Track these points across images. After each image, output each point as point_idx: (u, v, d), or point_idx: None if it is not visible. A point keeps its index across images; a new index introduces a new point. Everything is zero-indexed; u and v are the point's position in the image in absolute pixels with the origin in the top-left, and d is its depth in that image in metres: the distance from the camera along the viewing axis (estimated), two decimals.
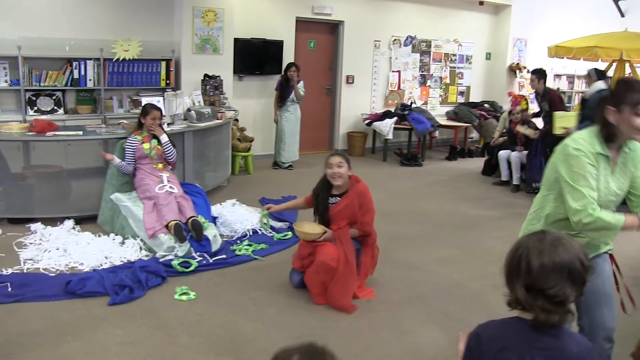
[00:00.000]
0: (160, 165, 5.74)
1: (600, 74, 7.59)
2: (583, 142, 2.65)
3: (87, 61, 7.87)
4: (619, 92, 2.64)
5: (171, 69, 8.46)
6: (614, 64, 8.93)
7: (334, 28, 10.67)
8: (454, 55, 12.46)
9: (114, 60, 8.01)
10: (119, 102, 8.37)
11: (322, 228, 4.42)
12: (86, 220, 5.95)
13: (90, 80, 7.94)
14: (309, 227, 4.51)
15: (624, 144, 2.70)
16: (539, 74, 7.92)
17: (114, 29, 8.11)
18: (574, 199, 2.60)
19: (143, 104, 6.08)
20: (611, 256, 2.90)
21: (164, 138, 5.78)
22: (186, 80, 8.46)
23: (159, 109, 5.83)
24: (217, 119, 7.31)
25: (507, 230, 6.22)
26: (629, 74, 9.36)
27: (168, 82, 8.47)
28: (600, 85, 7.20)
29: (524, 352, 1.66)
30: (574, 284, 1.64)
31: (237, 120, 8.73)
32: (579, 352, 1.66)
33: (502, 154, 8.69)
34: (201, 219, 5.46)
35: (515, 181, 8.40)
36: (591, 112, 6.45)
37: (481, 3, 12.28)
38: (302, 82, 9.04)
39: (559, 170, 2.69)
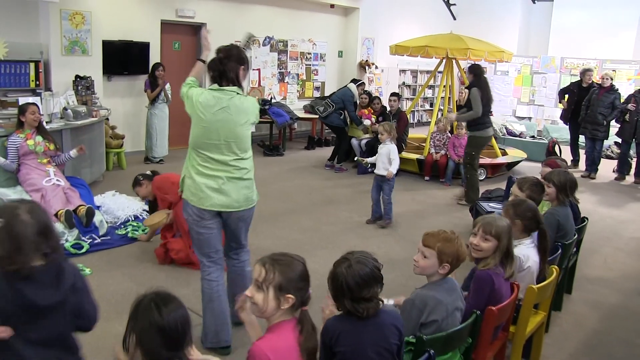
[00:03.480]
0: (45, 160, 6.16)
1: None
2: None
3: None
4: None
5: (40, 71, 8.62)
6: (444, 61, 10.32)
7: (197, 30, 11.25)
8: (309, 53, 13.46)
9: None
10: None
11: (165, 211, 5.45)
12: None
13: None
14: (154, 217, 5.56)
15: None
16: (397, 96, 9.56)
17: None
18: None
19: (20, 104, 6.43)
20: None
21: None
22: (57, 81, 8.67)
23: (35, 104, 6.25)
24: (93, 117, 7.76)
25: (355, 205, 7.34)
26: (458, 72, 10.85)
27: (38, 82, 8.61)
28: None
29: (358, 333, 2.38)
30: (378, 284, 2.40)
31: (107, 119, 9.11)
32: (391, 320, 2.46)
33: (353, 141, 9.98)
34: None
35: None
36: None
37: (332, 6, 13.39)
38: (168, 84, 9.61)
39: None
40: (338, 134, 10.38)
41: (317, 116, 12.40)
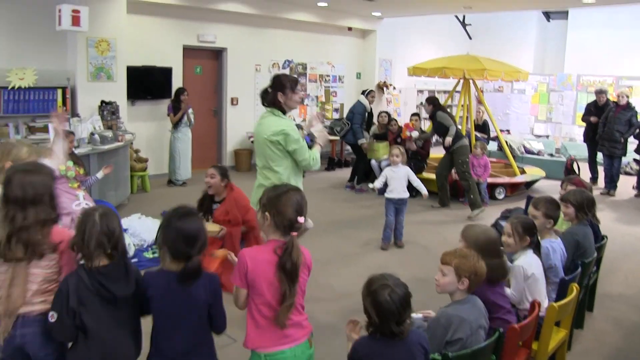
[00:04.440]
0: (75, 185, 6.34)
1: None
2: None
3: None
4: None
5: (67, 96, 8.87)
6: (461, 81, 10.46)
7: (218, 54, 11.54)
8: (328, 75, 13.67)
9: (9, 88, 8.25)
10: (15, 129, 8.64)
11: (219, 226, 5.21)
12: None
13: None
14: (208, 226, 5.41)
15: None
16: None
17: (8, 58, 8.46)
18: None
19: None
20: None
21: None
22: (83, 106, 8.92)
23: (71, 132, 6.46)
24: (119, 141, 7.98)
25: (376, 225, 7.50)
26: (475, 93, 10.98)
27: (65, 108, 8.86)
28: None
29: (389, 354, 2.52)
30: (399, 318, 2.52)
31: (131, 143, 9.35)
32: (417, 339, 2.59)
33: (373, 162, 10.07)
34: None
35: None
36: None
37: (350, 29, 13.64)
38: (191, 108, 9.84)
39: None
40: (356, 152, 10.51)
41: (337, 138, 12.59)
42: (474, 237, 3.37)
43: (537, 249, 3.74)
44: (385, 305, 2.48)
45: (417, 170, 9.40)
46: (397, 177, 6.84)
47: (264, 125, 4.42)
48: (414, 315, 2.82)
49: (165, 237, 2.61)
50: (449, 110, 9.91)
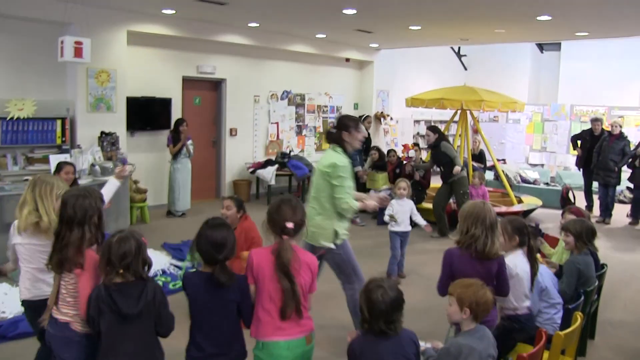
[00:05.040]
0: None
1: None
2: None
3: None
4: None
5: (67, 127, 8.88)
6: (458, 112, 10.58)
7: (217, 85, 11.65)
8: (326, 106, 13.77)
9: (8, 119, 8.27)
10: (13, 160, 8.57)
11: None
12: None
13: None
14: None
15: None
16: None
17: (7, 89, 8.49)
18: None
19: (57, 162, 6.61)
20: None
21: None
22: (82, 137, 8.95)
23: (71, 164, 6.46)
24: None
25: (377, 255, 7.48)
26: (472, 123, 11.09)
27: (64, 139, 8.86)
28: None
29: (381, 351, 2.79)
30: (388, 317, 2.81)
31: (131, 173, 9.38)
32: (408, 335, 2.86)
33: (371, 192, 10.06)
34: None
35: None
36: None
37: (347, 60, 13.81)
38: (190, 139, 9.91)
39: None
40: (355, 182, 10.51)
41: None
42: (463, 210, 3.70)
43: (530, 252, 3.85)
44: (376, 303, 2.77)
45: (418, 200, 9.48)
46: (402, 211, 6.87)
47: (323, 157, 4.81)
48: (423, 344, 3.01)
49: (198, 244, 3.03)
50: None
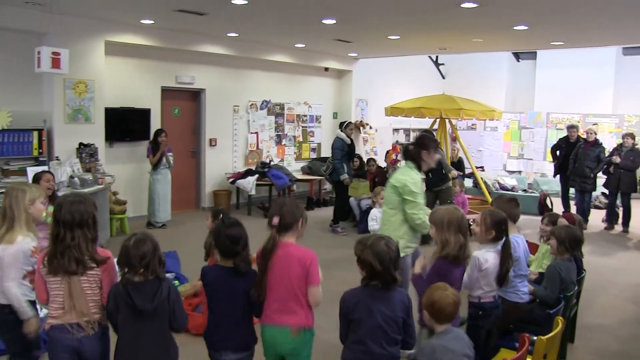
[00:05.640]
0: None
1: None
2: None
3: None
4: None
5: (43, 139, 8.71)
6: (437, 121, 10.68)
7: (196, 95, 11.63)
8: (305, 115, 13.82)
9: None
10: None
11: (192, 283, 5.67)
12: None
13: None
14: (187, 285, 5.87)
15: None
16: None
17: None
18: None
19: (35, 172, 6.51)
20: None
21: None
22: (60, 148, 8.85)
23: (50, 172, 6.39)
24: (99, 184, 7.96)
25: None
26: (450, 131, 11.19)
27: (41, 151, 8.69)
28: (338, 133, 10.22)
29: (372, 302, 2.99)
30: (395, 265, 3.00)
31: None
32: (399, 296, 3.05)
33: (352, 200, 10.12)
34: None
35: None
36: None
37: (326, 69, 13.87)
38: (171, 151, 9.89)
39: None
40: (336, 190, 10.48)
41: (315, 177, 12.70)
42: (440, 218, 3.78)
43: (506, 248, 3.91)
44: (384, 253, 3.00)
45: None
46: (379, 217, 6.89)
47: (397, 172, 5.18)
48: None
49: (217, 242, 3.39)
50: None
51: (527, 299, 4.48)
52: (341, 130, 10.28)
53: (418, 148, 5.01)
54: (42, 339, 4.78)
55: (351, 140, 10.21)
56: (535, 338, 3.44)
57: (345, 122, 10.60)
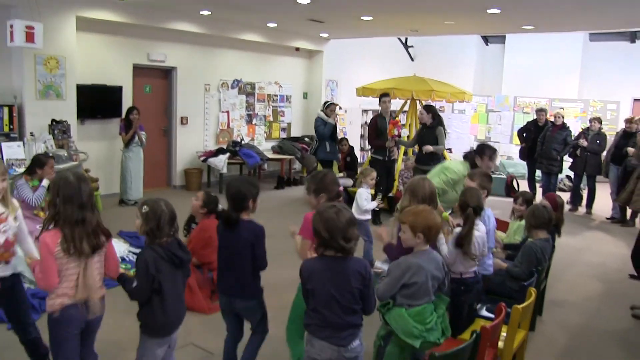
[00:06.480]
0: (41, 213, 6.23)
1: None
2: None
3: None
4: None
5: (14, 115, 8.63)
6: (408, 102, 10.83)
7: (167, 73, 11.56)
8: (276, 95, 13.83)
9: None
10: None
11: None
12: None
13: None
14: None
15: None
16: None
17: None
18: None
19: (39, 156, 6.41)
20: None
21: None
22: (32, 125, 8.73)
23: (53, 158, 6.39)
24: (73, 161, 7.91)
25: None
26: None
27: (12, 127, 8.62)
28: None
29: (325, 272, 3.01)
30: (345, 235, 2.99)
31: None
32: (356, 267, 3.01)
33: None
34: None
35: None
36: None
37: (297, 49, 13.88)
38: (144, 130, 9.87)
39: None
40: (328, 168, 10.51)
41: (286, 157, 12.76)
42: (412, 186, 4.18)
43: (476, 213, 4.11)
44: (332, 221, 2.95)
45: (388, 190, 9.60)
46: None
47: (450, 161, 6.26)
48: (380, 264, 3.73)
49: (226, 193, 3.71)
50: None
51: (492, 271, 4.69)
52: (321, 111, 10.48)
53: (476, 154, 5.73)
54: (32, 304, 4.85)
55: (335, 121, 10.39)
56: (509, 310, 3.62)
57: (327, 102, 10.68)
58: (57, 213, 3.16)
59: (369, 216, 6.94)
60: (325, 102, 10.82)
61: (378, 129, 9.35)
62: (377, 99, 9.65)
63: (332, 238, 2.94)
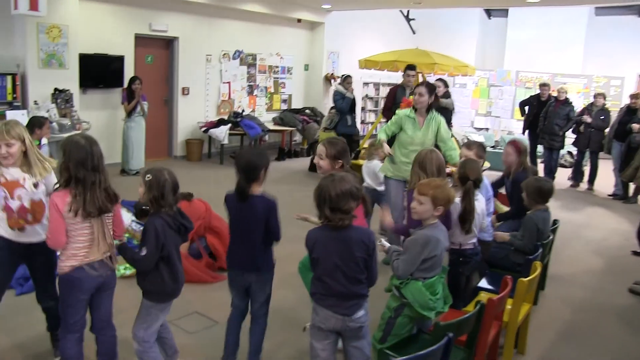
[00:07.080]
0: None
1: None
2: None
3: None
4: None
5: (17, 83, 8.61)
6: None
7: (169, 44, 11.48)
8: (277, 67, 13.78)
9: None
10: None
11: None
12: None
13: None
14: None
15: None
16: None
17: None
18: None
19: (36, 117, 6.53)
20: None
21: None
22: (35, 94, 8.74)
23: (47, 119, 6.45)
24: (76, 130, 7.91)
25: None
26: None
27: (15, 95, 8.62)
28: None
29: (328, 242, 3.01)
30: (355, 201, 2.98)
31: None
32: (359, 236, 2.99)
33: None
34: None
35: None
36: None
37: (299, 20, 13.78)
38: (146, 100, 9.85)
39: None
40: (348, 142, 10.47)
41: (287, 128, 12.76)
42: (428, 162, 4.22)
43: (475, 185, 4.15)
44: (322, 189, 2.96)
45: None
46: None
47: None
48: (386, 242, 3.59)
49: (236, 165, 3.51)
50: None
51: (491, 238, 4.79)
52: (339, 84, 10.68)
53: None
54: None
55: (353, 94, 10.60)
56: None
57: (344, 75, 10.76)
58: (70, 176, 3.15)
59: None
60: (343, 75, 10.86)
61: (395, 100, 9.30)
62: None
63: (319, 207, 2.98)
